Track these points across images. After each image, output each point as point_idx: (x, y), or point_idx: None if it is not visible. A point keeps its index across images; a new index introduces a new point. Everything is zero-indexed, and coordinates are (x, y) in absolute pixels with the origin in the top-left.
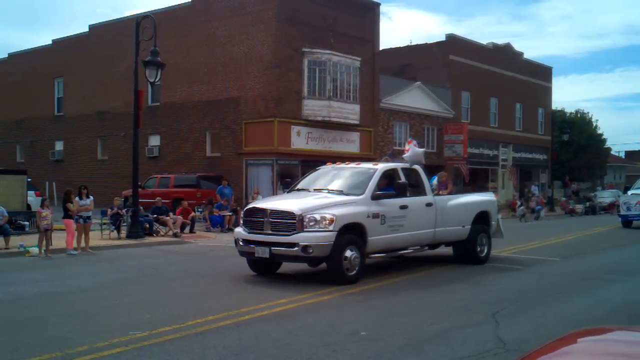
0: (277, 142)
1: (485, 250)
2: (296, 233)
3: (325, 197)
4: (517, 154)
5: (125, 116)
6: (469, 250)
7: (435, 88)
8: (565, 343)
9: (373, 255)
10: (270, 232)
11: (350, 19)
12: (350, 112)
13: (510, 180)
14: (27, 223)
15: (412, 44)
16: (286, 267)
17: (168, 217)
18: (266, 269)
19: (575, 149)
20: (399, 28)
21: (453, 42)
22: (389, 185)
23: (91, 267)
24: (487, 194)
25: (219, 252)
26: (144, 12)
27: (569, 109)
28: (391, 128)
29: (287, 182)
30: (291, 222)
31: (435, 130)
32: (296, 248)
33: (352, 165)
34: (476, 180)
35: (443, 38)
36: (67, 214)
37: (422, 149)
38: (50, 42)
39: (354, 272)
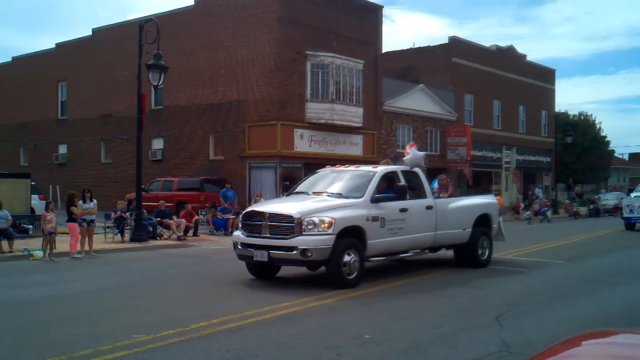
0: (280, 145)
1: (487, 254)
2: (295, 236)
3: (324, 200)
4: (521, 157)
5: (128, 119)
6: (470, 253)
7: (438, 90)
8: (569, 346)
9: (373, 259)
10: (268, 235)
11: (352, 22)
12: (353, 114)
13: (513, 182)
14: (30, 226)
15: (415, 46)
16: (285, 270)
17: (172, 221)
18: (265, 272)
19: (579, 152)
20: (402, 31)
21: (456, 45)
22: (389, 188)
23: (95, 270)
24: (489, 196)
25: (223, 255)
26: (147, 16)
27: (573, 111)
28: (394, 131)
29: (286, 185)
30: (290, 225)
31: (439, 133)
32: (295, 252)
33: (352, 168)
34: (479, 183)
35: (446, 40)
36: (71, 218)
37: (424, 152)
38: (54, 46)
39: (354, 275)
